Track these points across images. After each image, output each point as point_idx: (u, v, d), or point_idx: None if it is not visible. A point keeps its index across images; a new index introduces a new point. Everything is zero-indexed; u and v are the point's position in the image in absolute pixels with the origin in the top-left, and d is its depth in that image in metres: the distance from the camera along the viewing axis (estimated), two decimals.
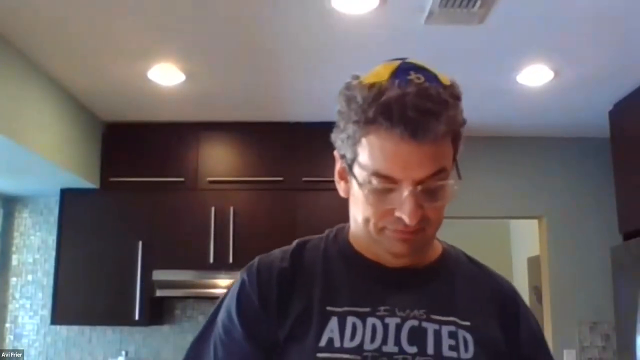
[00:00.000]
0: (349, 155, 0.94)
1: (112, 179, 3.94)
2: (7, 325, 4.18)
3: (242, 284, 1.02)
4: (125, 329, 4.10)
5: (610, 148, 3.71)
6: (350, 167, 0.95)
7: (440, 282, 1.03)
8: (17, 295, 4.20)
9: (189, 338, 4.62)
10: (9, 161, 3.32)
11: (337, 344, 0.93)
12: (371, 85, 0.90)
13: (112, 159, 3.98)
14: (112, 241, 3.88)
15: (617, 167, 3.65)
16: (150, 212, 3.91)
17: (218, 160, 4.03)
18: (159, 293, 3.83)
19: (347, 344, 0.93)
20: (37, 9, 2.57)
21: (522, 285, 5.84)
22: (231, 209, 3.88)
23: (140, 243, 3.84)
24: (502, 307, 1.05)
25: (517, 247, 6.10)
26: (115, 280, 3.84)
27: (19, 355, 3.93)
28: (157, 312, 4.05)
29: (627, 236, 3.43)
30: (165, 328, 4.14)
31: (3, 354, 3.95)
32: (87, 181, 3.77)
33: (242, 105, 3.78)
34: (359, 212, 0.96)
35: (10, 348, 4.11)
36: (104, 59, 3.10)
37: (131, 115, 3.92)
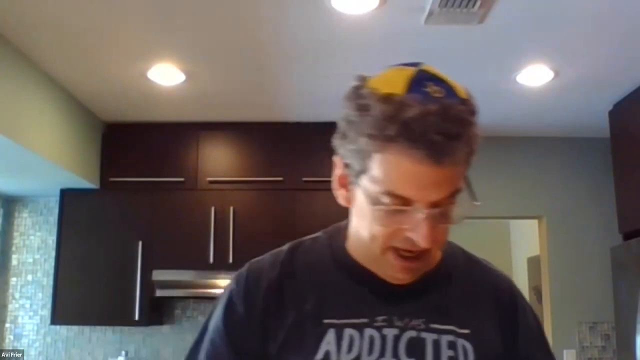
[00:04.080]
0: (357, 167, 0.88)
1: (112, 179, 3.94)
2: (7, 325, 4.18)
3: (230, 293, 1.00)
4: (125, 329, 4.11)
5: (610, 148, 3.71)
6: (357, 178, 0.89)
7: (439, 288, 1.00)
8: (17, 295, 4.20)
9: (189, 338, 4.59)
10: (9, 161, 3.31)
11: (334, 357, 0.91)
12: (388, 97, 0.83)
13: (112, 159, 3.98)
14: (112, 241, 3.88)
15: (617, 167, 3.65)
16: (150, 212, 3.91)
17: (218, 160, 4.03)
18: (159, 293, 3.83)
19: (344, 357, 0.91)
20: (37, 9, 2.57)
21: (522, 285, 5.84)
22: (231, 209, 3.88)
23: (140, 243, 3.84)
24: (500, 306, 1.02)
25: (517, 247, 6.11)
26: (115, 280, 3.84)
27: (19, 355, 3.93)
28: (157, 312, 4.05)
29: (627, 236, 3.43)
30: (165, 328, 4.14)
31: (3, 354, 3.95)
32: (87, 181, 3.77)
33: (242, 105, 3.78)
34: (364, 227, 0.92)
35: (10, 348, 4.11)
36: (104, 59, 3.10)
37: (131, 115, 3.92)
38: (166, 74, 3.24)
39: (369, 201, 0.87)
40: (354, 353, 0.92)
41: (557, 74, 3.22)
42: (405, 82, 0.85)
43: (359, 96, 0.86)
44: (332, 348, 0.92)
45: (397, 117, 0.81)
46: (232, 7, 2.59)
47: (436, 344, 0.94)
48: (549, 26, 2.73)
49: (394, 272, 0.93)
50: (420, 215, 0.85)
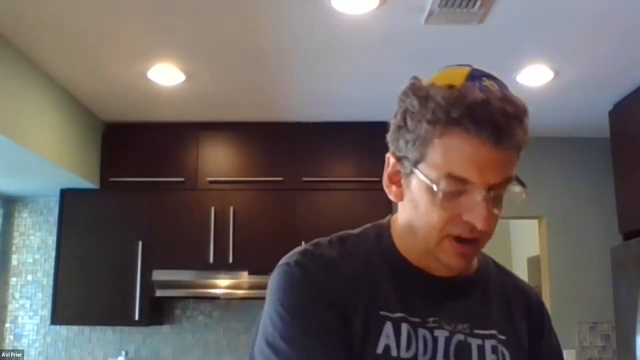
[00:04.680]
0: (413, 157, 0.91)
1: (112, 179, 3.94)
2: (7, 325, 4.18)
3: (302, 268, 0.94)
4: (125, 329, 4.10)
5: (610, 148, 3.71)
6: (414, 168, 0.91)
7: (479, 294, 1.02)
8: (17, 295, 4.20)
9: (189, 338, 4.59)
10: (9, 161, 3.32)
11: (394, 352, 0.91)
12: (449, 86, 0.88)
13: (112, 159, 3.98)
14: (112, 241, 3.88)
15: (617, 167, 3.65)
16: (150, 212, 3.91)
17: (218, 160, 4.03)
18: (159, 293, 3.83)
19: (404, 353, 0.91)
20: (37, 9, 2.57)
21: None
22: (231, 209, 3.88)
23: (140, 243, 3.84)
24: (529, 316, 1.06)
25: (517, 247, 6.10)
26: (115, 280, 3.84)
27: (19, 355, 3.93)
28: (157, 312, 4.05)
29: (627, 236, 3.43)
30: (165, 328, 4.14)
31: (3, 354, 3.95)
32: (87, 181, 3.77)
33: (242, 105, 3.78)
34: (419, 218, 0.93)
35: (10, 348, 4.11)
36: (104, 59, 3.10)
37: (131, 115, 3.92)
38: (166, 74, 3.24)
39: (427, 187, 0.89)
40: (412, 351, 0.92)
41: (557, 74, 3.22)
42: (463, 77, 0.90)
43: (419, 89, 0.90)
44: (392, 343, 0.92)
45: (461, 101, 0.86)
46: (232, 7, 2.59)
47: (480, 349, 0.97)
48: (549, 26, 2.73)
49: (449, 259, 0.93)
50: (479, 196, 0.87)
